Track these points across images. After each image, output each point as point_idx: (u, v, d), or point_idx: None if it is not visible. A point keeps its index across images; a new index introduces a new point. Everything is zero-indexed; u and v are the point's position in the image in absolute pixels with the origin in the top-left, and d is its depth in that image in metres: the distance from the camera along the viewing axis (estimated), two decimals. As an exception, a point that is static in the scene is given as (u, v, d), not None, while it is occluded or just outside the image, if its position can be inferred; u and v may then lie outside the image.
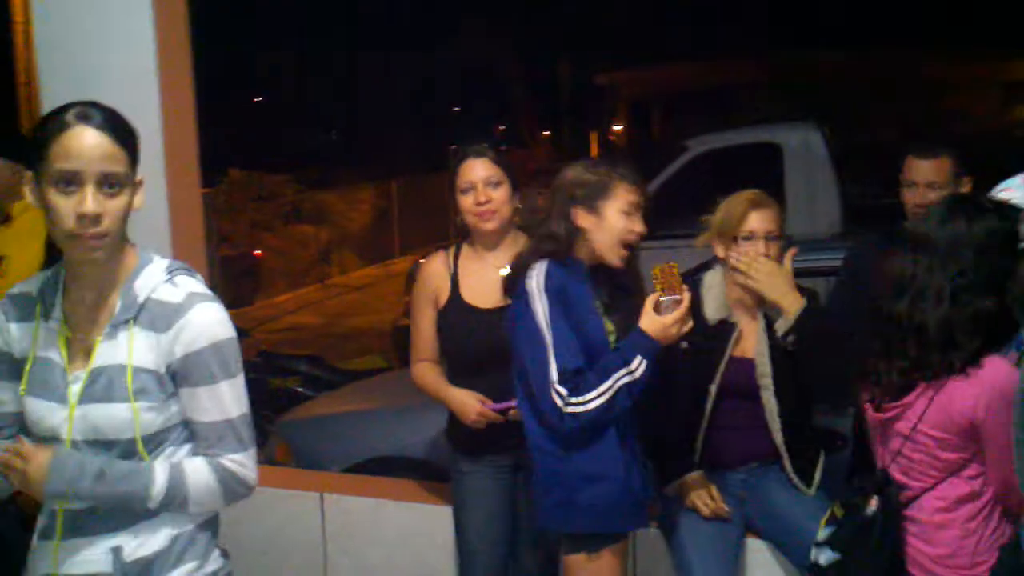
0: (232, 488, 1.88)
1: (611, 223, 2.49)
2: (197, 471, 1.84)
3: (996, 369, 2.11)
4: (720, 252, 2.76)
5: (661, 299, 2.41)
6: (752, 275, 2.65)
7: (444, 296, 2.89)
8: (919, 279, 2.19)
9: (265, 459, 4.42)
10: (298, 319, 12.16)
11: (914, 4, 18.51)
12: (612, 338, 2.50)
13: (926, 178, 3.10)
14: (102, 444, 1.79)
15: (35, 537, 1.90)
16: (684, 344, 2.55)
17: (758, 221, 2.69)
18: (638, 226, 2.50)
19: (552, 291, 2.41)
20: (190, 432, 1.88)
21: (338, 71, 22.78)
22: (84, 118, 1.75)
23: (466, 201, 2.83)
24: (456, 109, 25.95)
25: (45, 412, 1.81)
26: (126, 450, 1.80)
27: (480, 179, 2.81)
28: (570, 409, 2.36)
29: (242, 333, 5.65)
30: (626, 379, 2.37)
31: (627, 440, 2.48)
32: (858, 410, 2.75)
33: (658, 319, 2.40)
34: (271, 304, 13.04)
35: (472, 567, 2.91)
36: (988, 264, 2.14)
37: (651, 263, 2.53)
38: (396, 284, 11.48)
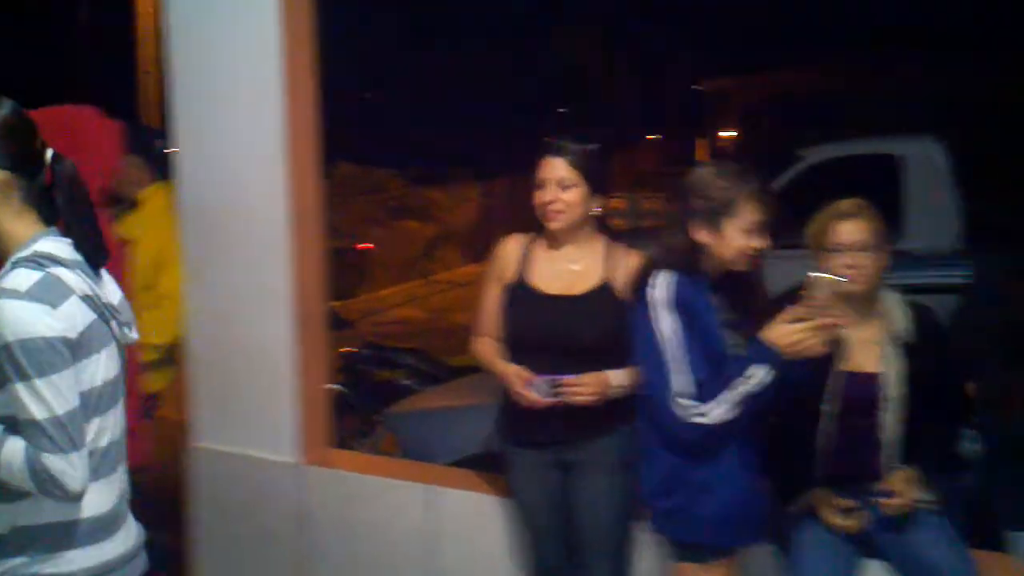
0: (45, 487, 1.86)
1: (729, 241, 2.45)
2: (13, 448, 1.86)
3: None
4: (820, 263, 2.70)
5: (796, 311, 2.36)
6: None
7: (511, 276, 2.94)
8: None
9: (371, 449, 4.51)
10: (402, 313, 12.31)
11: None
12: (736, 352, 2.46)
13: None
14: None
15: None
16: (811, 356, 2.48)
17: (845, 233, 2.62)
18: (759, 242, 2.46)
19: (675, 303, 2.40)
20: None
21: (447, 68, 22.99)
22: None
23: (538, 196, 2.85)
24: (562, 110, 25.97)
25: None
26: None
27: (553, 178, 2.82)
28: (692, 419, 2.35)
29: (344, 324, 5.76)
30: (748, 390, 2.34)
31: (746, 453, 2.45)
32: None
33: (783, 330, 2.36)
34: (375, 297, 13.24)
35: (529, 556, 3.01)
36: None
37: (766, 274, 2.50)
38: (499, 282, 11.50)
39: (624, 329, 2.66)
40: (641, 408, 2.52)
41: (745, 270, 2.51)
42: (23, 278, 1.87)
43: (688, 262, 2.47)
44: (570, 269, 2.87)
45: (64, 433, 1.86)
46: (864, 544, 2.69)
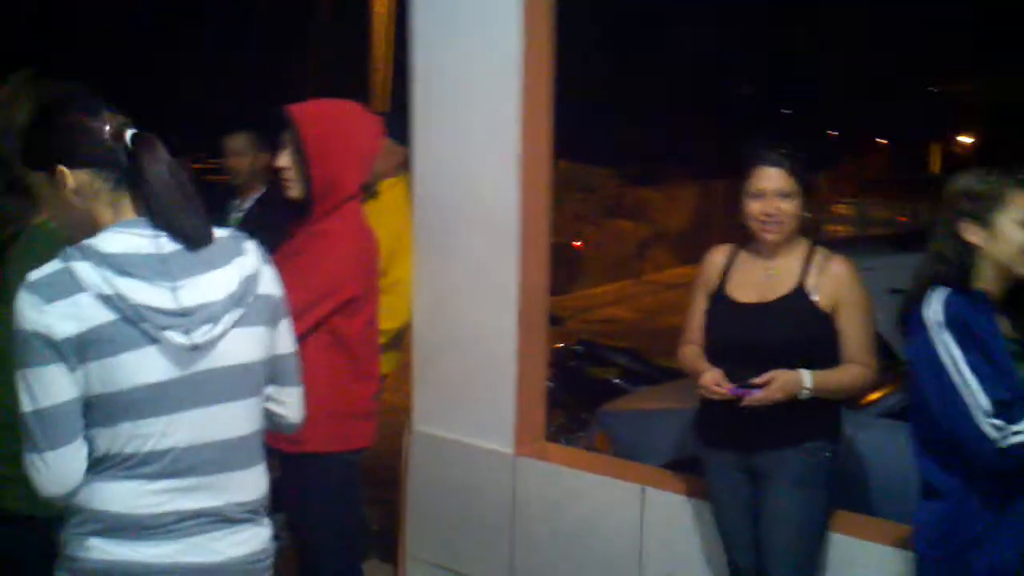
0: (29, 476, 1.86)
1: (1006, 235, 2.27)
2: None
3: None
4: None
5: None
6: None
7: (714, 286, 2.98)
8: None
9: (585, 445, 4.54)
10: (613, 312, 12.33)
11: None
12: None
13: None
14: None
15: None
16: None
17: None
18: None
19: (953, 322, 2.23)
20: None
21: (668, 68, 22.83)
22: None
23: (753, 206, 2.84)
24: (785, 112, 25.28)
25: None
26: None
27: (772, 189, 2.80)
28: (1012, 440, 2.12)
29: (557, 321, 5.76)
30: None
31: None
32: None
33: None
34: (587, 295, 13.31)
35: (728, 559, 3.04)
36: None
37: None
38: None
39: (818, 334, 2.71)
40: (914, 442, 2.37)
41: None
42: (43, 268, 1.84)
43: (961, 272, 2.30)
44: (767, 277, 2.89)
45: (33, 430, 1.82)
46: None
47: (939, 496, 2.30)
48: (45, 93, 2.22)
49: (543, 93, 3.46)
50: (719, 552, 3.12)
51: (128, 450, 1.86)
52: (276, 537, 2.12)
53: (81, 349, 1.81)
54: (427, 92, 3.61)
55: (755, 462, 2.86)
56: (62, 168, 1.89)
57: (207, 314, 1.88)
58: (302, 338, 2.36)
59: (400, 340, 3.96)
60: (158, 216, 1.88)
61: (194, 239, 1.90)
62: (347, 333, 2.90)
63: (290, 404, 2.14)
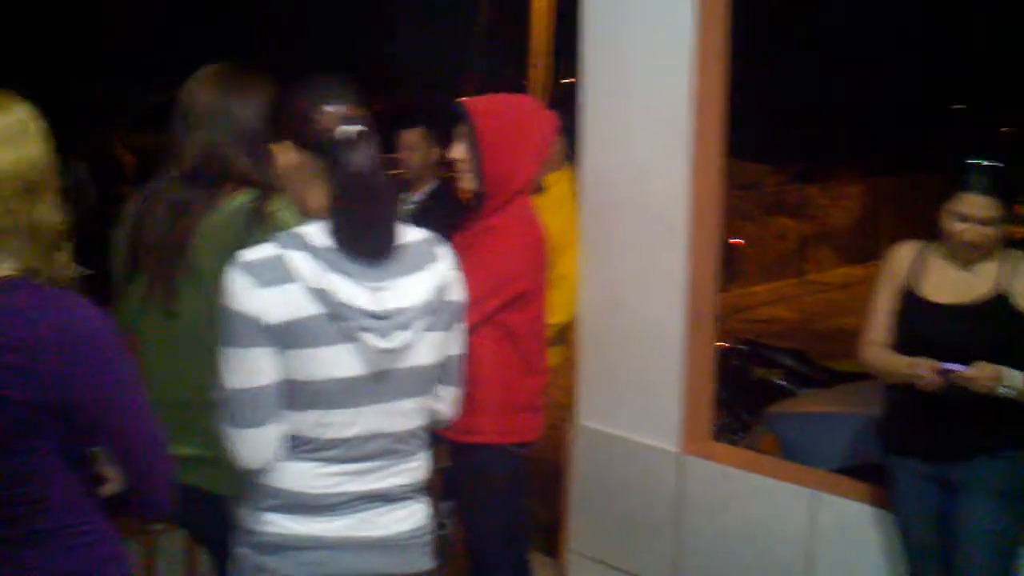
0: (227, 448, 1.96)
1: None
2: None
3: None
4: None
5: None
6: None
7: (901, 283, 2.89)
8: None
9: (750, 446, 4.44)
10: (773, 311, 12.04)
11: None
12: None
13: None
14: None
15: None
16: None
17: None
18: None
19: None
20: None
21: (833, 64, 22.13)
22: None
23: (956, 227, 2.77)
24: (958, 107, 24.09)
25: None
26: None
27: (979, 218, 2.73)
28: None
29: (716, 319, 5.59)
30: None
31: None
32: None
33: None
34: (746, 293, 13.04)
35: (907, 571, 2.94)
36: None
37: None
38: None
39: (1018, 338, 2.64)
40: None
41: None
42: (257, 251, 1.89)
43: None
44: (962, 277, 2.82)
45: (236, 407, 1.89)
46: None
47: None
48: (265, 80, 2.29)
49: (716, 85, 3.39)
50: (896, 564, 3.01)
51: (312, 435, 1.95)
52: (442, 524, 2.17)
53: (285, 337, 1.86)
54: (596, 86, 3.59)
55: (948, 471, 2.76)
56: (286, 144, 2.01)
57: (403, 320, 1.93)
58: (472, 331, 2.39)
59: (564, 335, 3.96)
60: (339, 231, 1.89)
61: (371, 256, 1.91)
62: (517, 327, 2.92)
63: (447, 402, 2.22)
